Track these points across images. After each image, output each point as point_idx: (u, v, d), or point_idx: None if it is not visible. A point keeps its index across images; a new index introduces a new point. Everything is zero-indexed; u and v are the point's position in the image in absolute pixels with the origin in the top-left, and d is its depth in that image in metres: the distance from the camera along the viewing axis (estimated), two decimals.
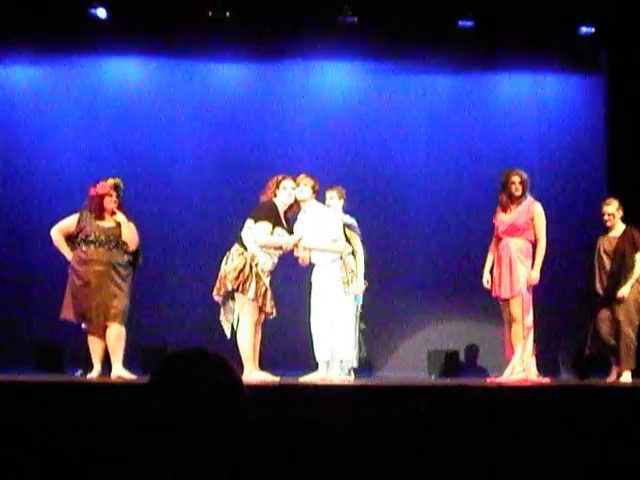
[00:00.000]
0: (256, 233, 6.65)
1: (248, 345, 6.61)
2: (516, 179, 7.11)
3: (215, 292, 6.72)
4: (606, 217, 7.42)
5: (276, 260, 6.77)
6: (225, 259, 6.69)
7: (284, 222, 6.82)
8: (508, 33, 9.35)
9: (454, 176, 9.63)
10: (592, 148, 9.67)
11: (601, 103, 9.74)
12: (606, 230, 7.48)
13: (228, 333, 6.76)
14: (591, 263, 7.52)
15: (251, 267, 6.60)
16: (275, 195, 6.83)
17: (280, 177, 6.89)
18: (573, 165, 9.63)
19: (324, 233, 6.91)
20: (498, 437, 1.86)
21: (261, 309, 6.66)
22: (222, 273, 6.66)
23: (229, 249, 6.73)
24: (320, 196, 7.11)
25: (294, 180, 6.90)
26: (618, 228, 7.45)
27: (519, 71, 9.85)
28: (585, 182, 9.13)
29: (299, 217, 7.01)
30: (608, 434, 4.53)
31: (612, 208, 7.41)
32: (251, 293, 6.55)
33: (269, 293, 6.66)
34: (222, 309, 6.79)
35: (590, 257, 7.53)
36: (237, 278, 6.56)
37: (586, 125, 9.75)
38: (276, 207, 6.78)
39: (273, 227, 6.68)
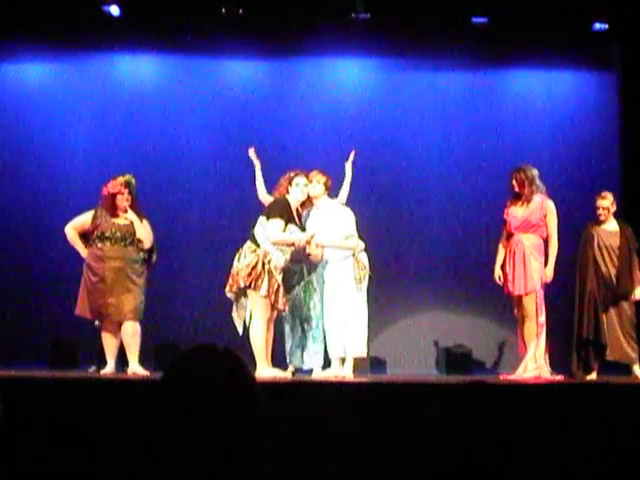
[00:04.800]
0: (269, 230, 6.65)
1: (260, 342, 6.62)
2: (513, 181, 7.14)
3: (227, 289, 6.73)
4: (601, 211, 7.29)
5: (289, 257, 6.78)
6: (237, 256, 6.70)
7: (297, 219, 6.82)
8: (521, 30, 9.32)
9: (466, 171, 9.61)
10: (605, 145, 9.62)
11: (614, 100, 9.69)
12: (598, 223, 7.34)
13: (240, 330, 6.77)
14: (584, 253, 7.30)
15: (263, 264, 6.60)
16: (287, 192, 6.83)
17: (292, 174, 6.89)
18: (585, 162, 9.59)
19: (337, 230, 6.90)
20: (510, 435, 1.86)
21: (273, 306, 6.66)
22: (234, 270, 6.67)
23: (242, 246, 6.74)
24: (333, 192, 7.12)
25: (306, 176, 6.90)
26: (611, 222, 7.38)
27: (532, 68, 9.80)
28: (597, 179, 9.07)
29: (311, 214, 7.01)
30: (622, 431, 4.52)
31: (607, 202, 7.30)
32: (263, 290, 6.55)
33: (281, 290, 6.67)
34: (234, 306, 6.80)
35: (584, 246, 7.33)
36: (249, 275, 6.57)
37: (599, 122, 9.70)
38: (288, 204, 6.78)
39: (286, 224, 6.68)
